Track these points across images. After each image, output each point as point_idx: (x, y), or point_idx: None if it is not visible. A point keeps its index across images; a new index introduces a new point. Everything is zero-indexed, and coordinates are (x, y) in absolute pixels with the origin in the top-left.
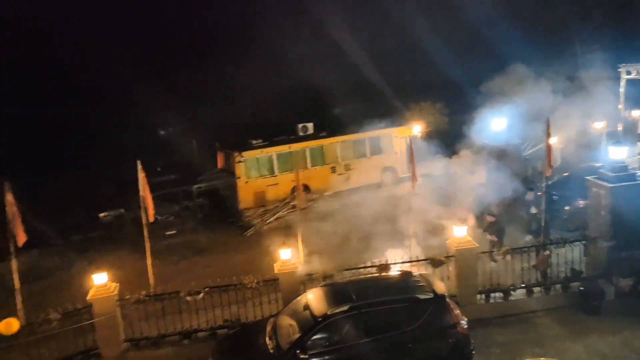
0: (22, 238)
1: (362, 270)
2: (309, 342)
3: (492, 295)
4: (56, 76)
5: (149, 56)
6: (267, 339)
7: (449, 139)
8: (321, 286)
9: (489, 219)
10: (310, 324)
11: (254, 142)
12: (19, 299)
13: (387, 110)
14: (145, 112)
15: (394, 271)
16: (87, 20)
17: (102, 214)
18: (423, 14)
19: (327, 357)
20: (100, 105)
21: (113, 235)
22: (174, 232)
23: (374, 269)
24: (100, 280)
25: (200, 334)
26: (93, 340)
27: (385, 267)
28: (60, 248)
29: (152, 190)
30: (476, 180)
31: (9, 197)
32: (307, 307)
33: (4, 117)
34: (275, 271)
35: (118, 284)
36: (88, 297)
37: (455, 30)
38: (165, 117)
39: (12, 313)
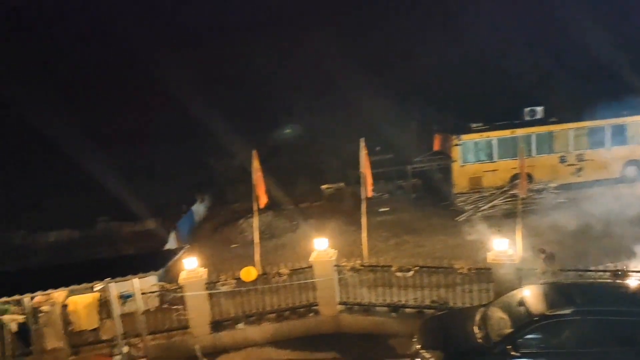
0: (263, 200)
1: (591, 274)
2: (521, 340)
3: None
4: None
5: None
6: (475, 327)
7: None
8: (541, 284)
9: None
10: (525, 321)
11: (474, 125)
12: (257, 251)
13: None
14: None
15: (634, 280)
16: None
17: (324, 186)
18: None
19: None
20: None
21: (333, 207)
22: (387, 209)
23: (606, 275)
24: (321, 245)
25: (407, 310)
26: (314, 297)
27: (622, 273)
28: (290, 213)
29: (371, 168)
30: None
31: (256, 164)
32: (522, 303)
33: None
34: (488, 260)
35: (336, 251)
36: (310, 259)
37: None
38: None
39: (252, 263)
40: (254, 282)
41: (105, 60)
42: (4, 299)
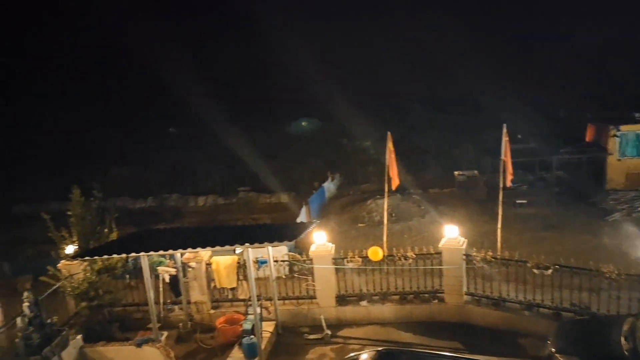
0: (395, 182)
1: None
2: None
3: None
4: None
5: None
6: (622, 338)
7: None
8: None
9: None
10: None
11: (638, 115)
12: (385, 232)
13: None
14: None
15: None
16: None
17: (456, 173)
18: None
19: None
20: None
21: (464, 194)
22: (525, 201)
23: None
24: (451, 232)
25: (542, 310)
26: (440, 284)
27: None
28: (419, 198)
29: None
30: None
31: (390, 145)
32: None
33: None
34: None
35: (466, 240)
36: (440, 245)
37: None
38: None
39: (378, 243)
40: (380, 262)
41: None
42: (160, 252)
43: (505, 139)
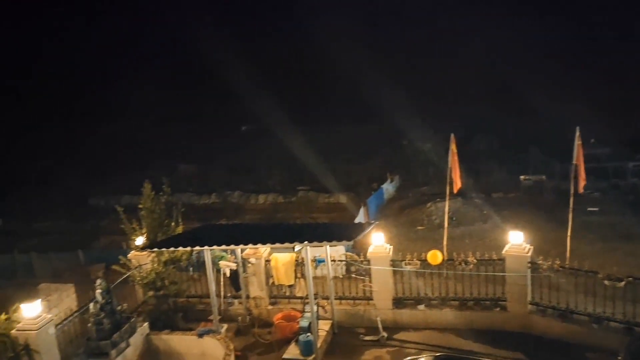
0: (457, 185)
1: None
2: None
3: None
4: None
5: None
6: None
7: None
8: None
9: None
10: None
11: None
12: (445, 236)
13: None
14: None
15: None
16: None
17: (523, 177)
18: None
19: None
20: None
21: (530, 200)
22: (597, 209)
23: None
24: (515, 238)
25: (612, 324)
26: (502, 292)
27: None
28: (481, 202)
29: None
30: None
31: (453, 147)
32: None
33: None
34: None
35: (531, 247)
36: (503, 252)
37: None
38: None
39: (437, 247)
40: (439, 266)
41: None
42: (222, 247)
43: (577, 142)
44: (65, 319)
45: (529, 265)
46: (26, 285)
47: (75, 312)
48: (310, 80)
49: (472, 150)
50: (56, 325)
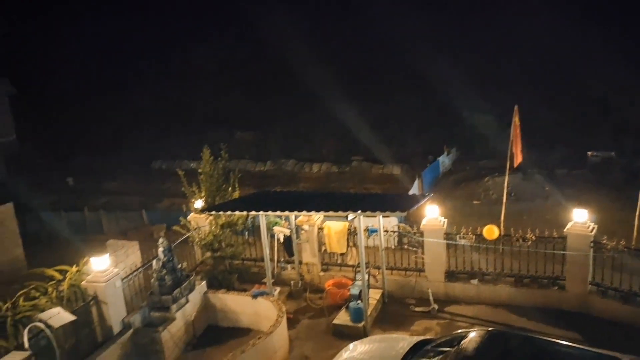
0: (518, 159)
1: None
2: None
3: None
4: None
5: None
6: None
7: None
8: None
9: None
10: None
11: None
12: (503, 212)
13: None
14: None
15: None
16: None
17: (590, 153)
18: None
19: None
20: None
21: (597, 177)
22: None
23: None
24: (579, 216)
25: None
26: (561, 270)
27: None
28: (542, 177)
29: None
30: None
31: (516, 119)
32: None
33: None
34: None
35: (596, 226)
36: (565, 230)
37: None
38: None
39: (493, 222)
40: (495, 241)
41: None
42: (277, 213)
43: None
44: (130, 274)
45: (592, 244)
46: (95, 241)
47: (140, 267)
48: (367, 49)
49: (536, 123)
50: (122, 279)
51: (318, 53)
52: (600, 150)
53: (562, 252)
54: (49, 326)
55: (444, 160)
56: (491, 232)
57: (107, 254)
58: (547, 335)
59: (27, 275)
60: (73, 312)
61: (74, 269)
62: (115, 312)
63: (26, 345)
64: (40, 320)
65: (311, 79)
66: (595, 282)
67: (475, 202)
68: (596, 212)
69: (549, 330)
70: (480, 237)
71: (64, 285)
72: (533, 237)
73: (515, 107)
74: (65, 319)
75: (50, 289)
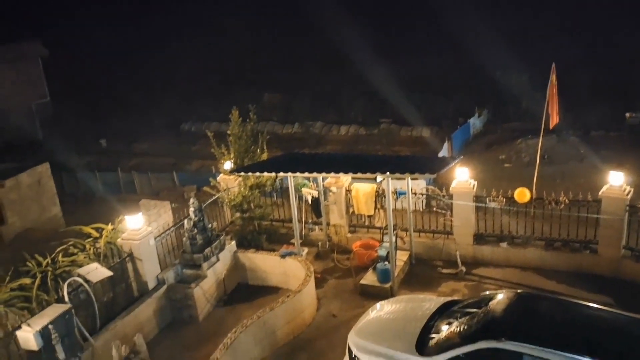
0: (554, 120)
1: None
2: None
3: None
4: None
5: None
6: None
7: None
8: None
9: None
10: None
11: None
12: (535, 175)
13: None
14: None
15: None
16: None
17: (628, 114)
18: None
19: None
20: None
21: (635, 139)
22: None
23: None
24: (615, 179)
25: None
26: (593, 234)
27: None
28: (578, 140)
29: None
30: None
31: (553, 78)
32: None
33: None
34: None
35: (632, 189)
36: (600, 193)
37: None
38: None
39: (525, 185)
40: (526, 205)
41: None
42: (305, 174)
43: None
44: (163, 232)
45: (628, 208)
46: (129, 200)
47: (172, 227)
48: (396, 9)
49: (573, 83)
50: (155, 237)
51: (347, 10)
52: (639, 112)
53: (595, 215)
54: (87, 281)
55: (475, 122)
56: (523, 195)
57: (140, 213)
58: (578, 299)
59: (65, 232)
60: (110, 268)
61: (110, 227)
62: (150, 269)
63: (66, 298)
64: (79, 275)
65: (339, 38)
66: (629, 246)
67: (506, 165)
68: (633, 174)
69: (579, 294)
70: (511, 200)
71: (101, 242)
72: (566, 201)
73: (553, 65)
74: (102, 274)
75: (87, 246)
